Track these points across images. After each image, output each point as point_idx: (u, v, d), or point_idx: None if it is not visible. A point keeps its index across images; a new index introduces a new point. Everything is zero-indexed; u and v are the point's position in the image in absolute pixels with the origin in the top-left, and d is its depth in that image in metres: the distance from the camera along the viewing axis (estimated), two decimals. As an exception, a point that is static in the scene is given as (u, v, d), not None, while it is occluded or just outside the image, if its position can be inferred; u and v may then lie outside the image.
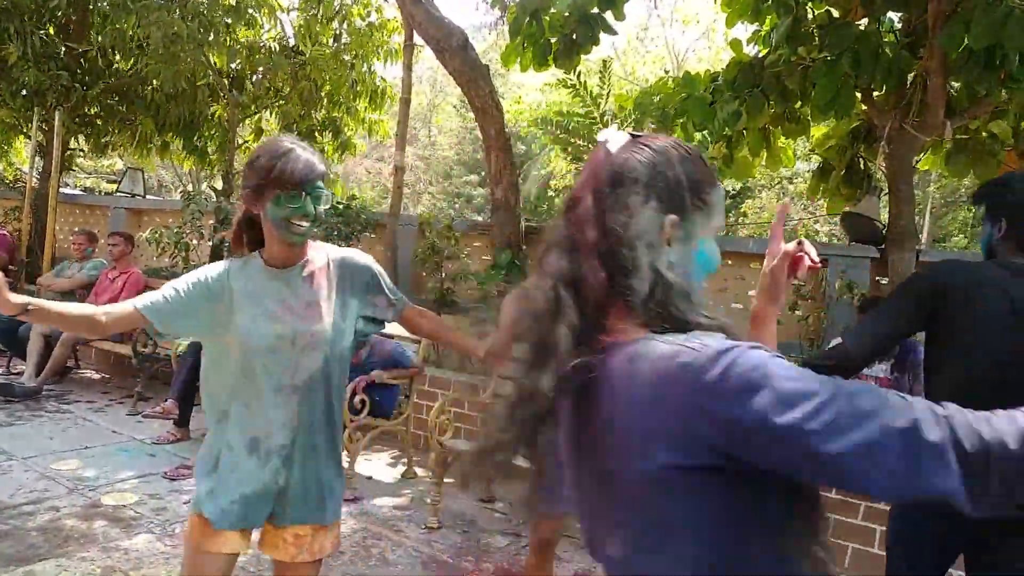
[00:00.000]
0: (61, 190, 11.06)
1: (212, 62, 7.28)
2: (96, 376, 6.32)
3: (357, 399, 3.94)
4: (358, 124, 8.40)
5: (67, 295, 6.13)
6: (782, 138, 5.70)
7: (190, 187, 9.33)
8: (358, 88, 8.06)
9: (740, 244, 6.04)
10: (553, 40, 5.29)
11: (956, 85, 4.82)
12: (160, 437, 4.63)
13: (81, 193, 10.70)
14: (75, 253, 6.33)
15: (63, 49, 8.08)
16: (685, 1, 18.14)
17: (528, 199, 5.20)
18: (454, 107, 20.77)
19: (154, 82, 7.49)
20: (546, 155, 16.76)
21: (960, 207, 14.60)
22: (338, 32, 8.02)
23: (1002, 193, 1.93)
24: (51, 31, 8.12)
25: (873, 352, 1.96)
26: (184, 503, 3.66)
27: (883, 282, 4.92)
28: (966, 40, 4.11)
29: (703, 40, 17.79)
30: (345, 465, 2.07)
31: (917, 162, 5.34)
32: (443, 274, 5.96)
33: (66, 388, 5.77)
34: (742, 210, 13.46)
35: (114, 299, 5.76)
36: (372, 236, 6.76)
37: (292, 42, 8.08)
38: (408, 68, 6.47)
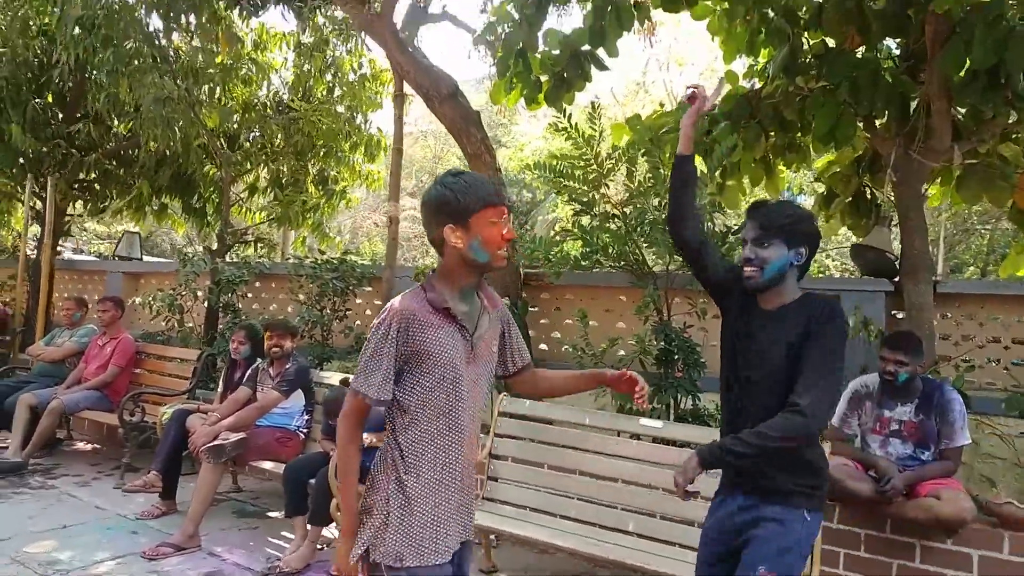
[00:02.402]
0: (63, 256, 11.11)
1: (204, 122, 7.25)
2: (87, 447, 6.11)
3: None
4: (354, 176, 8.34)
5: (58, 363, 5.99)
6: (782, 168, 5.54)
7: (189, 249, 9.30)
8: (353, 139, 8.02)
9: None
10: (544, 78, 5.21)
11: (961, 109, 4.65)
12: (145, 512, 4.40)
13: (78, 259, 10.68)
14: (64, 320, 6.20)
15: (60, 116, 8.13)
16: (682, 43, 18.22)
17: (534, 245, 5.00)
18: (459, 158, 20.89)
19: (151, 144, 7.49)
20: (552, 201, 16.72)
21: (973, 234, 14.32)
22: (331, 84, 8.02)
23: (807, 221, 2.14)
24: (49, 99, 8.19)
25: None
26: (161, 587, 3.41)
27: (899, 316, 4.67)
28: (967, 61, 3.97)
29: (703, 80, 17.85)
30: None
31: (925, 192, 5.14)
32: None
33: (55, 461, 5.56)
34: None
35: (103, 366, 5.60)
36: (369, 289, 6.60)
37: (285, 97, 8.08)
38: (399, 119, 6.39)
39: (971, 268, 14.11)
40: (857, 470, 3.33)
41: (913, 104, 4.63)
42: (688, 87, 2.42)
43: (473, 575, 3.59)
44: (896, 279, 4.60)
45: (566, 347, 5.20)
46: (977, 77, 4.02)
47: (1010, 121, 4.37)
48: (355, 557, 1.75)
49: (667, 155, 5.21)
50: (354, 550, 1.76)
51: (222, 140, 8.02)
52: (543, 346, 5.81)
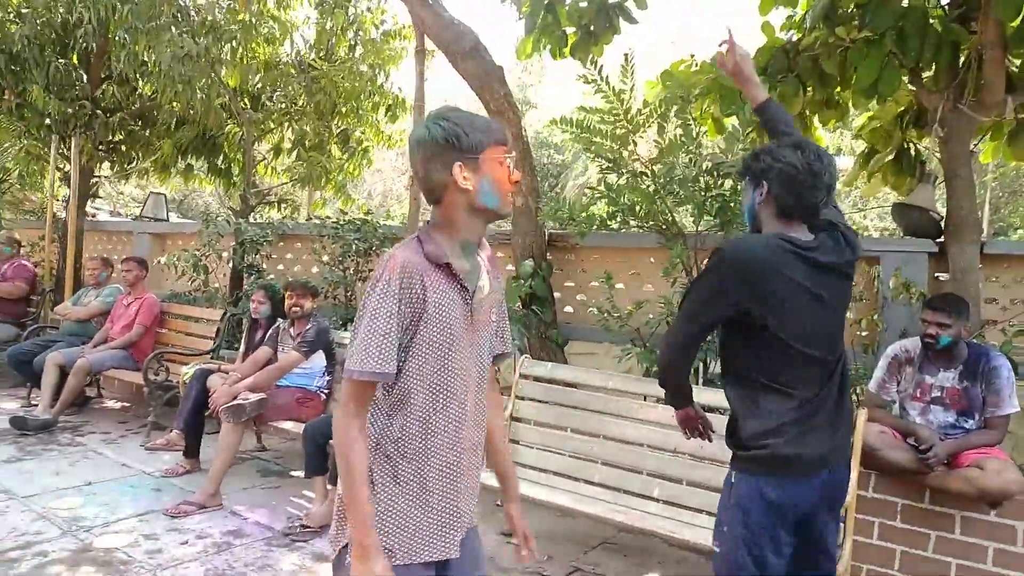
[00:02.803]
0: (96, 217, 11.20)
1: (224, 81, 7.14)
2: (116, 406, 6.18)
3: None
4: (377, 137, 8.20)
5: (85, 322, 6.03)
6: (818, 126, 5.27)
7: (218, 210, 9.27)
8: (375, 99, 7.86)
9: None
10: (570, 32, 5.00)
11: (1016, 60, 4.36)
12: (169, 470, 4.43)
13: (105, 220, 10.75)
14: (90, 280, 6.23)
15: (85, 78, 8.09)
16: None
17: (559, 204, 4.85)
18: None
19: (172, 104, 7.42)
20: (582, 163, 16.44)
21: (1020, 196, 13.76)
22: (353, 42, 7.85)
23: (761, 155, 1.95)
24: (74, 60, 8.14)
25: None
26: (181, 543, 3.42)
27: (943, 278, 4.45)
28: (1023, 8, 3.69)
29: (737, 19, 17.27)
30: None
31: (975, 148, 4.85)
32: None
33: (84, 419, 5.64)
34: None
35: (128, 326, 5.62)
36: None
37: (308, 56, 7.93)
38: (420, 75, 6.23)
39: (1019, 231, 13.58)
40: (895, 438, 3.18)
41: (963, 56, 4.35)
42: (721, 42, 2.33)
43: (493, 537, 3.56)
44: (940, 240, 4.37)
45: (591, 310, 5.08)
46: (1035, 25, 3.74)
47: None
48: (336, 548, 1.58)
49: (699, 112, 5.00)
50: (335, 539, 1.58)
51: (245, 100, 7.93)
52: (568, 308, 5.69)
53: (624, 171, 4.76)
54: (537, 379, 3.86)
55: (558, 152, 18.21)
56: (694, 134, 4.52)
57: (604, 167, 4.88)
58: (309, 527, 3.62)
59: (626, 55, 5.13)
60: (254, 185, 7.62)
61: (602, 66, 4.91)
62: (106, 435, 5.23)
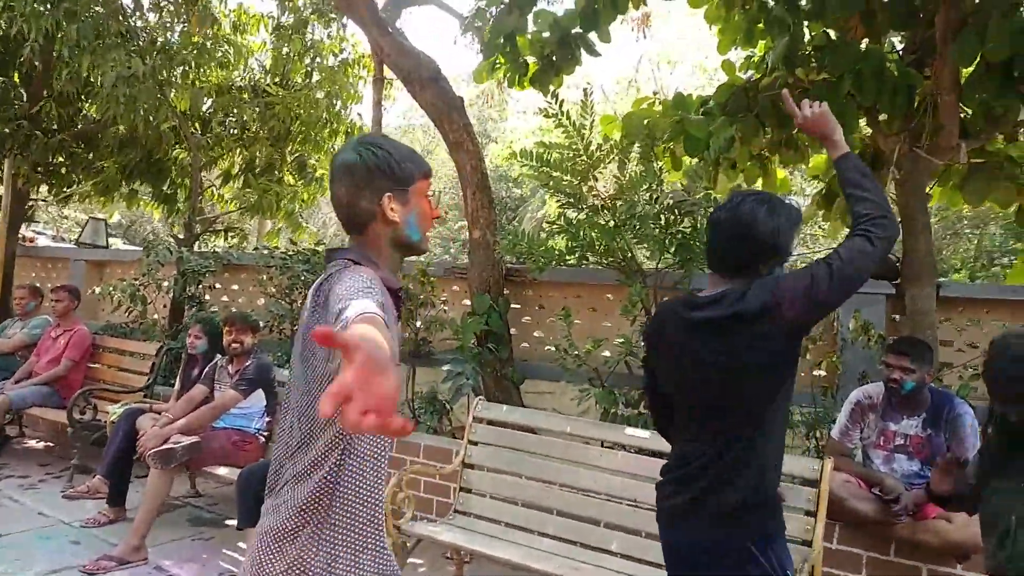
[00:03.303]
0: (36, 243, 10.68)
1: (173, 103, 6.88)
2: (39, 446, 5.75)
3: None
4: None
5: (8, 355, 5.63)
6: (780, 167, 5.29)
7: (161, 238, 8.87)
8: (334, 126, 7.68)
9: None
10: (531, 61, 4.93)
11: (967, 107, 4.43)
12: (90, 520, 4.07)
13: (40, 246, 10.25)
14: (17, 310, 5.84)
15: (24, 95, 7.73)
16: (671, 42, 17.99)
17: (517, 238, 4.72)
18: (447, 152, 20.56)
19: (118, 126, 7.12)
20: (539, 198, 16.45)
21: (961, 238, 14.19)
22: (309, 69, 7.68)
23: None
24: (15, 78, 7.79)
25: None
26: (97, 606, 3.10)
27: (899, 320, 4.44)
28: (979, 55, 3.74)
29: (694, 77, 17.62)
30: None
31: (928, 191, 4.91)
32: (417, 322, 5.46)
33: (2, 461, 5.21)
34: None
35: (56, 360, 5.26)
36: (343, 283, 6.28)
37: (263, 81, 7.73)
38: (378, 104, 6.10)
39: (959, 272, 13.97)
40: (860, 488, 3.08)
41: (918, 100, 4.40)
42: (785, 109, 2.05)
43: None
44: (897, 281, 4.36)
45: (548, 347, 4.93)
46: (989, 71, 3.78)
47: (1021, 118, 4.14)
48: None
49: (660, 149, 4.95)
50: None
51: (195, 124, 7.66)
52: (525, 344, 5.53)
53: (583, 206, 4.67)
54: (491, 422, 3.67)
55: (516, 186, 18.22)
56: (656, 171, 4.45)
57: (563, 202, 4.78)
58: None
59: (585, 90, 5.08)
60: (201, 212, 7.33)
61: (563, 100, 4.84)
62: (24, 479, 4.82)
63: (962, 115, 4.26)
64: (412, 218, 1.48)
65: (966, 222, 13.63)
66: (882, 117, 4.57)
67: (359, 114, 7.95)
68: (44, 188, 8.59)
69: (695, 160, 4.56)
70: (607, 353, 4.71)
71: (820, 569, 2.84)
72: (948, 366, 4.23)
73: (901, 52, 4.79)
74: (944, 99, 4.08)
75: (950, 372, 4.16)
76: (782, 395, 1.77)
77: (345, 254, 1.45)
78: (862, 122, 4.65)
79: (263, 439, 4.15)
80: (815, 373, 4.39)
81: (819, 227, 11.49)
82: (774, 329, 1.69)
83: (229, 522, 4.27)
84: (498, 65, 4.93)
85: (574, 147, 4.70)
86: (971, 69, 3.92)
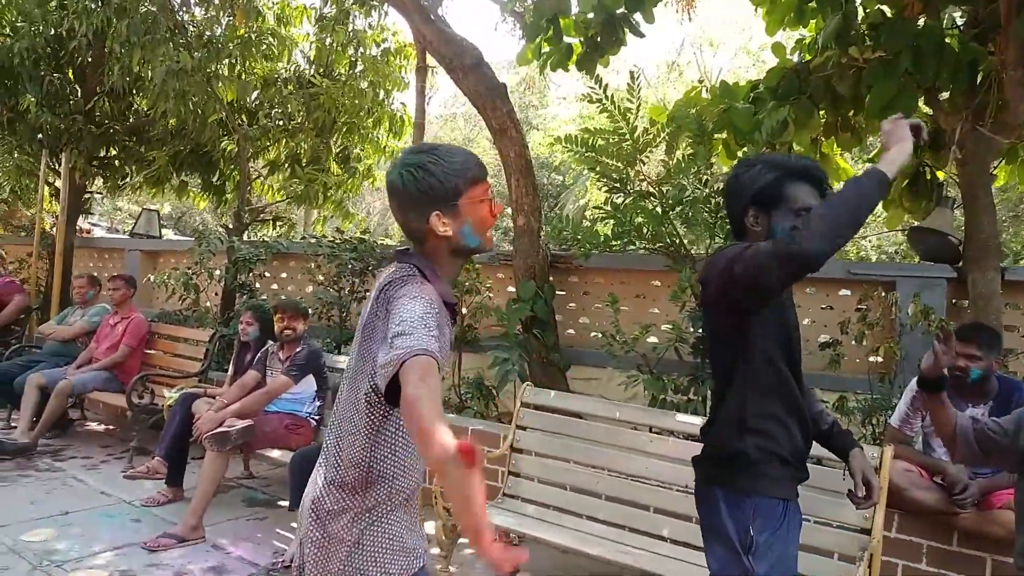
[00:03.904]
0: (94, 233, 11.02)
1: (220, 96, 7.01)
2: (100, 429, 5.95)
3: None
4: (378, 153, 8.07)
5: (70, 342, 5.83)
6: (836, 149, 5.13)
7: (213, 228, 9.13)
8: (376, 115, 7.74)
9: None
10: (574, 42, 4.87)
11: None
12: (150, 499, 4.20)
13: (97, 236, 10.58)
14: (77, 298, 6.04)
15: (79, 91, 7.96)
16: (715, 24, 17.62)
17: (563, 224, 4.71)
18: (488, 140, 20.52)
19: (168, 119, 7.29)
20: (581, 185, 16.34)
21: (1022, 221, 13.64)
22: (353, 59, 7.74)
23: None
24: (69, 74, 8.03)
25: None
26: (159, 582, 3.20)
27: (962, 305, 4.28)
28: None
29: (737, 59, 17.25)
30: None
31: (993, 171, 4.71)
32: (463, 310, 5.48)
33: (66, 442, 5.41)
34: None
35: (114, 346, 5.42)
36: (388, 271, 6.34)
37: (307, 72, 7.82)
38: (421, 92, 6.10)
39: (1020, 259, 13.45)
40: (922, 477, 2.99)
41: (981, 76, 4.22)
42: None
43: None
44: (959, 264, 4.21)
45: (595, 334, 4.89)
46: (1057, 44, 3.61)
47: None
48: None
49: (716, 150, 4.84)
50: None
51: (242, 116, 7.80)
52: (570, 331, 5.51)
53: (630, 191, 4.61)
54: (539, 407, 3.66)
55: (558, 173, 18.12)
56: (705, 154, 4.37)
57: (609, 187, 4.72)
58: (289, 566, 3.40)
59: (632, 72, 5.01)
60: (249, 203, 7.46)
61: (607, 84, 4.78)
62: (87, 460, 5.00)
63: (1029, 91, 4.08)
64: (466, 228, 1.47)
65: (1027, 206, 13.12)
66: (943, 95, 4.41)
67: (403, 103, 8.00)
68: (99, 181, 8.86)
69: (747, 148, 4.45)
70: (654, 339, 4.66)
71: (879, 558, 2.77)
72: (1013, 352, 4.08)
73: (962, 28, 4.61)
74: (1010, 75, 3.91)
75: (1016, 359, 4.01)
76: (745, 361, 1.75)
77: (412, 259, 1.48)
78: (920, 99, 4.48)
79: (314, 423, 4.22)
80: (871, 359, 4.27)
81: (872, 216, 11.15)
82: (707, 299, 1.80)
83: (282, 503, 4.37)
84: (543, 52, 4.88)
85: (620, 131, 4.64)
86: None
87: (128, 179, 8.65)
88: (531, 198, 5.42)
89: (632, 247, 4.75)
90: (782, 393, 1.77)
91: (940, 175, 4.73)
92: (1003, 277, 4.05)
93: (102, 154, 8.33)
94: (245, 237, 7.16)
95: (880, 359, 4.24)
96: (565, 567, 3.61)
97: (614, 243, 4.67)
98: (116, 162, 8.55)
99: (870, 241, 13.89)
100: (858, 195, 1.56)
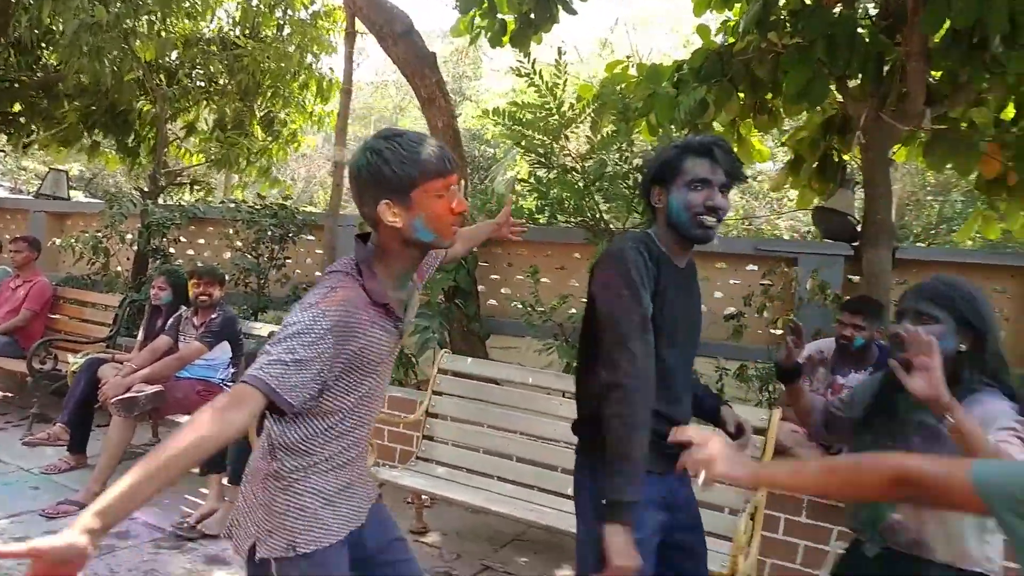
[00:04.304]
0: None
1: (138, 54, 6.69)
2: (-1, 396, 5.68)
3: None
4: (304, 118, 7.88)
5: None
6: (753, 132, 5.31)
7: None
8: (302, 79, 7.54)
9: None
10: (508, 19, 4.87)
11: (935, 73, 4.49)
12: (50, 466, 4.05)
13: (3, 196, 9.97)
14: (-26, 260, 5.71)
15: (-21, 42, 7.44)
16: (646, 4, 17.87)
17: (486, 197, 4.74)
18: (419, 109, 20.18)
19: (80, 76, 6.90)
20: (511, 158, 16.36)
21: (924, 207, 14.46)
22: (281, 21, 7.50)
23: None
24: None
25: None
26: (56, 547, 3.10)
27: (856, 280, 4.54)
28: (947, 22, 3.78)
29: (669, 39, 17.53)
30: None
31: (892, 156, 4.99)
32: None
33: (-39, 410, 5.14)
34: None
35: (14, 310, 5.16)
36: (310, 238, 6.24)
37: (231, 33, 7.54)
38: (349, 57, 5.98)
39: (918, 244, 14.31)
40: (805, 436, 3.18)
41: (887, 66, 4.45)
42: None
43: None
44: (856, 243, 4.45)
45: (515, 304, 4.96)
46: (956, 39, 3.84)
47: (984, 86, 4.21)
48: (243, 552, 1.52)
49: (640, 129, 4.92)
50: (241, 544, 1.52)
51: (161, 75, 7.47)
52: (492, 301, 5.56)
53: (554, 166, 4.67)
54: (456, 374, 3.71)
55: (489, 146, 18.07)
56: (627, 130, 4.46)
57: (535, 161, 4.77)
58: (197, 527, 3.36)
59: (559, 48, 5.05)
60: (165, 165, 7.18)
61: (535, 59, 4.80)
62: (-17, 428, 4.77)
63: (929, 83, 4.33)
64: (418, 222, 1.42)
65: (929, 190, 13.91)
66: (852, 83, 4.62)
67: (331, 68, 7.82)
68: (2, 138, 8.34)
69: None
70: (573, 310, 4.77)
71: (762, 511, 2.94)
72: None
73: (874, 19, 4.83)
74: (912, 66, 4.13)
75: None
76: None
77: (361, 251, 1.49)
78: (832, 86, 4.68)
79: (227, 389, 4.14)
80: (772, 331, 4.49)
81: (788, 197, 11.63)
82: (590, 290, 1.76)
83: (191, 470, 4.28)
84: (475, 26, 4.85)
85: (547, 106, 4.69)
86: (939, 36, 3.97)
87: (34, 137, 8.16)
88: (459, 168, 5.43)
89: (555, 221, 4.83)
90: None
91: (846, 158, 4.97)
92: (895, 256, 4.31)
93: (6, 109, 7.84)
94: (161, 201, 6.89)
95: (780, 331, 4.46)
96: (474, 527, 3.69)
97: (538, 217, 4.73)
98: (21, 119, 8.06)
99: (784, 221, 14.47)
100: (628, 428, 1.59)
